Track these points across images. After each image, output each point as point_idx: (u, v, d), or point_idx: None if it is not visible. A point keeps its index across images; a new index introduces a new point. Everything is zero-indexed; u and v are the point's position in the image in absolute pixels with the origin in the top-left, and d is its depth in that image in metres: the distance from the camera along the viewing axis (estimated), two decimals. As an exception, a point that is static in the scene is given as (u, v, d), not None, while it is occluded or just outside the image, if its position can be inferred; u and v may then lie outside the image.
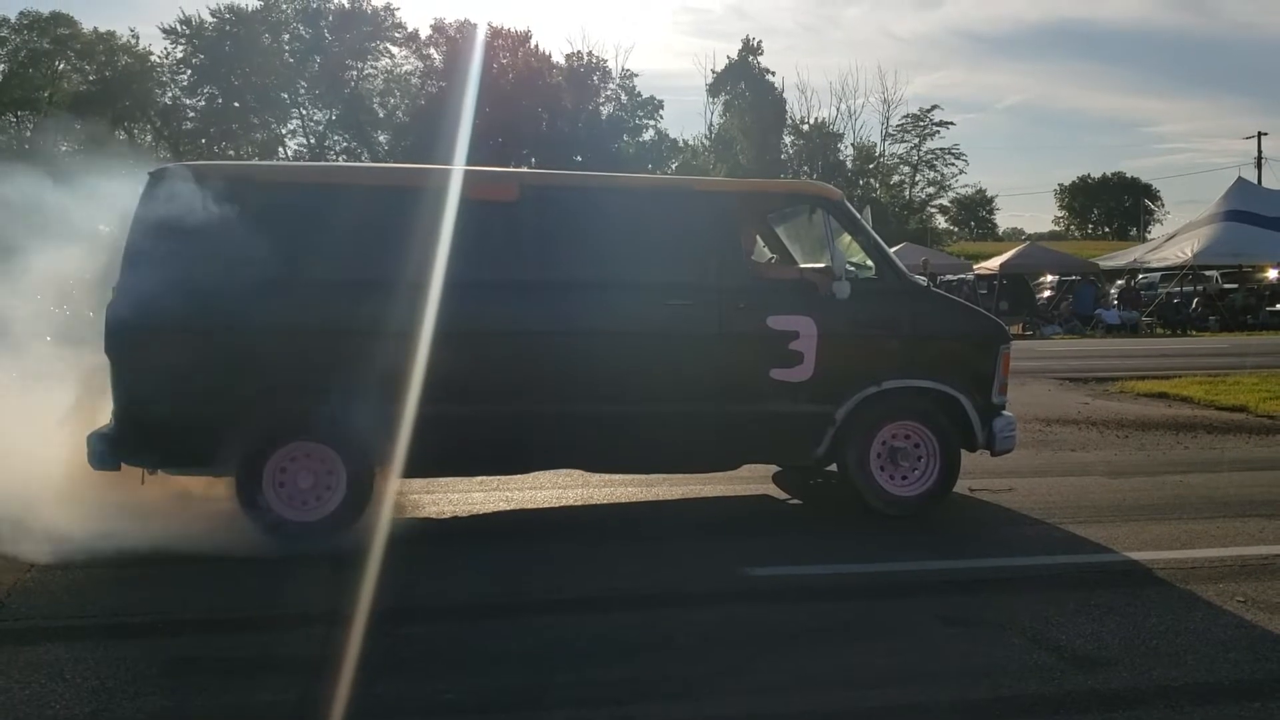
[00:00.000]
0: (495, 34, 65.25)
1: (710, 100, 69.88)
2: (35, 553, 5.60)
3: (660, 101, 70.04)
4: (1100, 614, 4.96)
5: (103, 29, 61.94)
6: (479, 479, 7.56)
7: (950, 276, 36.59)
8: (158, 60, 63.31)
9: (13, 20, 60.07)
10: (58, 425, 6.11)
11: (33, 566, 5.55)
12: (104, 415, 6.01)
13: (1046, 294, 36.43)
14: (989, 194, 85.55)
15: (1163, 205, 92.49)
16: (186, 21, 62.21)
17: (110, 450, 5.85)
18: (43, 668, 4.26)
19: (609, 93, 69.67)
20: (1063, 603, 5.15)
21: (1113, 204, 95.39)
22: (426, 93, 63.92)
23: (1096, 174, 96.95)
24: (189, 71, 63.40)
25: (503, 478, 7.56)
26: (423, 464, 6.25)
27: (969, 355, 6.91)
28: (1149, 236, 61.63)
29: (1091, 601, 5.16)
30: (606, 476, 7.60)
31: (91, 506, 5.93)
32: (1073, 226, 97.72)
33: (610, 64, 69.62)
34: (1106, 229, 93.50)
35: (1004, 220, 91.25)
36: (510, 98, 60.98)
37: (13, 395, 6.42)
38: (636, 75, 71.00)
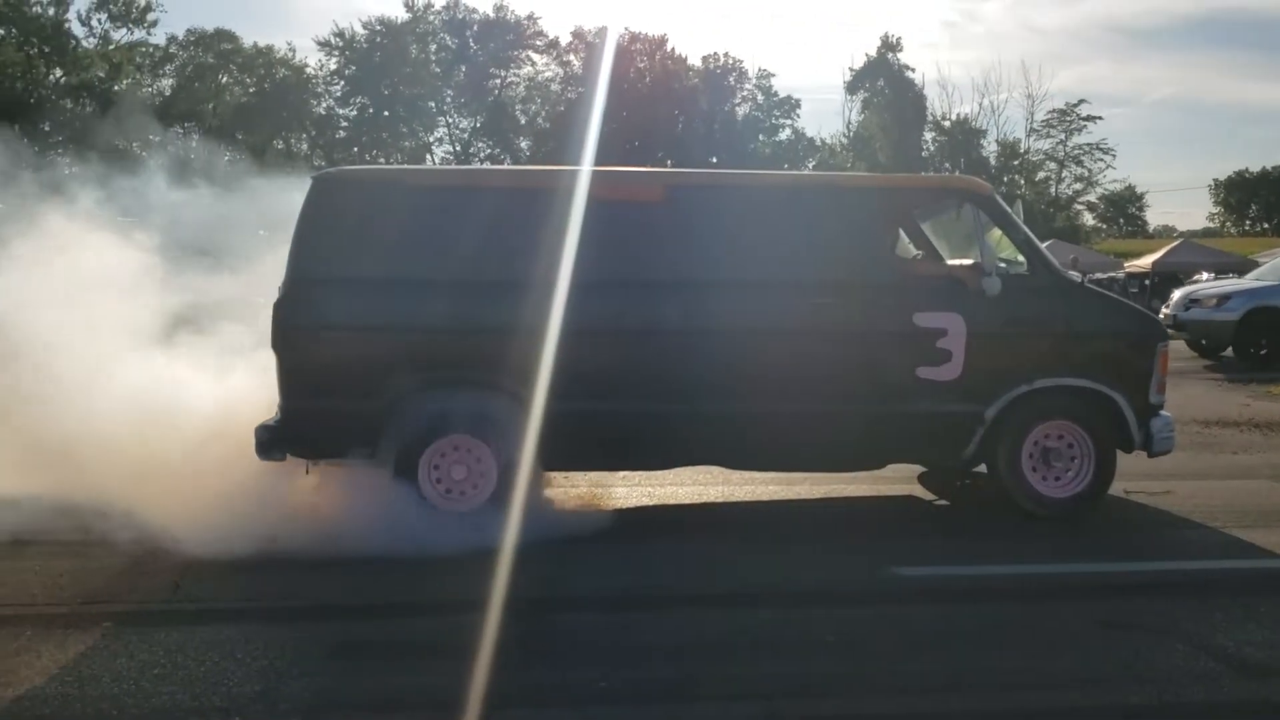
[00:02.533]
0: (633, 39, 65.87)
1: (848, 98, 69.02)
2: (203, 541, 5.77)
3: (797, 101, 69.72)
4: (1270, 621, 4.76)
5: (262, 43, 64.83)
6: (621, 474, 7.65)
7: (1099, 274, 35.30)
8: (312, 72, 65.90)
9: (180, 37, 63.33)
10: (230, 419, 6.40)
11: (203, 555, 5.71)
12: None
13: (1203, 292, 34.80)
14: (1139, 190, 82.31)
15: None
16: (340, 34, 64.70)
17: (275, 442, 6.12)
18: (216, 646, 4.49)
19: (745, 93, 69.57)
20: (1228, 609, 4.95)
21: (1273, 199, 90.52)
22: (566, 98, 64.88)
23: (1255, 168, 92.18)
24: (342, 82, 65.76)
25: (645, 473, 7.62)
26: (567, 458, 6.41)
27: (1126, 353, 6.69)
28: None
29: (1260, 608, 4.95)
30: (747, 474, 7.58)
31: (258, 497, 6.18)
32: (1229, 223, 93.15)
33: (746, 64, 69.51)
34: (1265, 225, 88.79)
35: (1155, 217, 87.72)
36: (647, 101, 61.44)
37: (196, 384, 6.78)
38: (773, 75, 70.71)
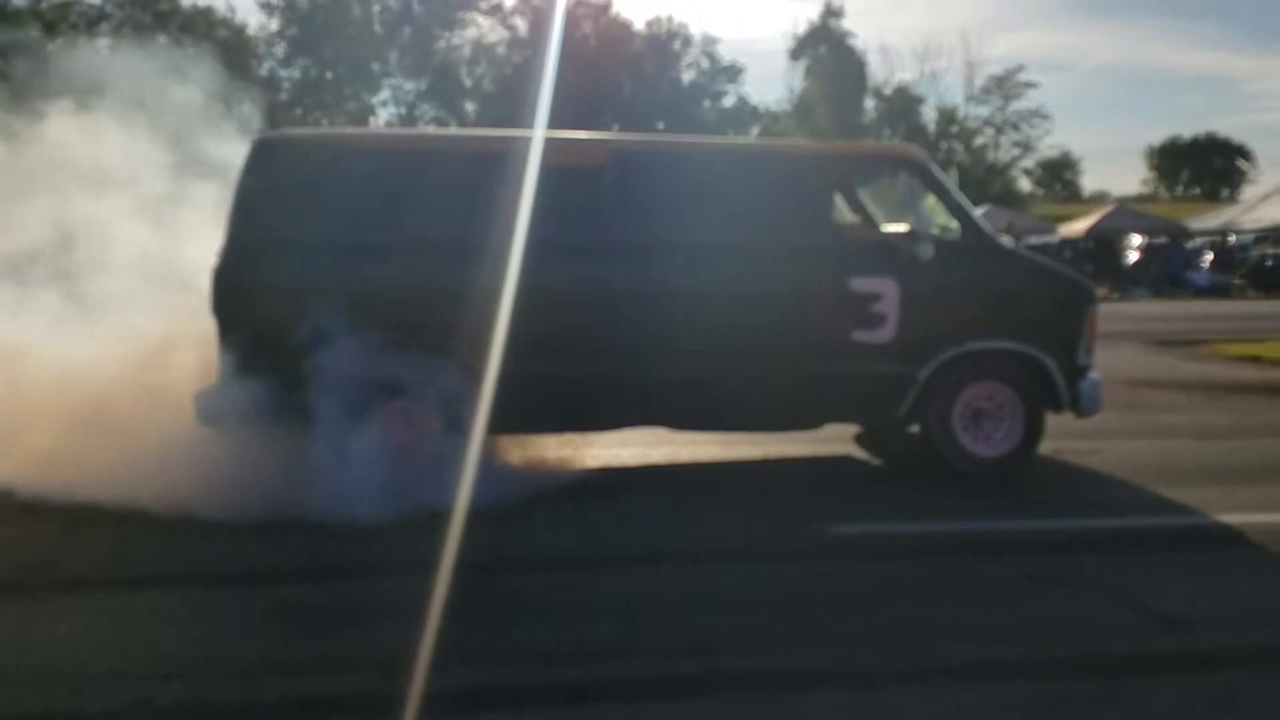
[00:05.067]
0: (578, 2, 65.17)
1: (791, 64, 69.05)
2: (143, 507, 5.78)
3: (742, 67, 69.59)
4: (1190, 575, 4.94)
5: (201, 3, 63.15)
6: (565, 437, 7.69)
7: (1034, 239, 35.78)
8: (253, 33, 64.46)
9: (116, -4, 61.42)
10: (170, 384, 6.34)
11: (141, 519, 5.71)
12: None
13: (1133, 257, 35.47)
14: (1074, 156, 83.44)
15: (1257, 165, 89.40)
16: (280, -7, 63.18)
17: (216, 408, 6.08)
18: (156, 612, 4.50)
19: (690, 59, 69.34)
20: (1150, 563, 5.14)
21: (1204, 165, 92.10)
22: (512, 62, 64.17)
23: (1187, 134, 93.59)
24: (283, 44, 64.43)
25: (588, 436, 7.68)
26: (510, 422, 6.41)
27: (1054, 317, 6.85)
28: (1241, 198, 59.61)
29: (1181, 563, 5.14)
30: (689, 435, 7.65)
31: (195, 463, 6.14)
32: (1161, 188, 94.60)
33: (691, 30, 69.22)
34: (1197, 190, 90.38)
35: (1090, 182, 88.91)
36: (592, 65, 60.95)
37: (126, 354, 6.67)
38: (718, 41, 70.53)
